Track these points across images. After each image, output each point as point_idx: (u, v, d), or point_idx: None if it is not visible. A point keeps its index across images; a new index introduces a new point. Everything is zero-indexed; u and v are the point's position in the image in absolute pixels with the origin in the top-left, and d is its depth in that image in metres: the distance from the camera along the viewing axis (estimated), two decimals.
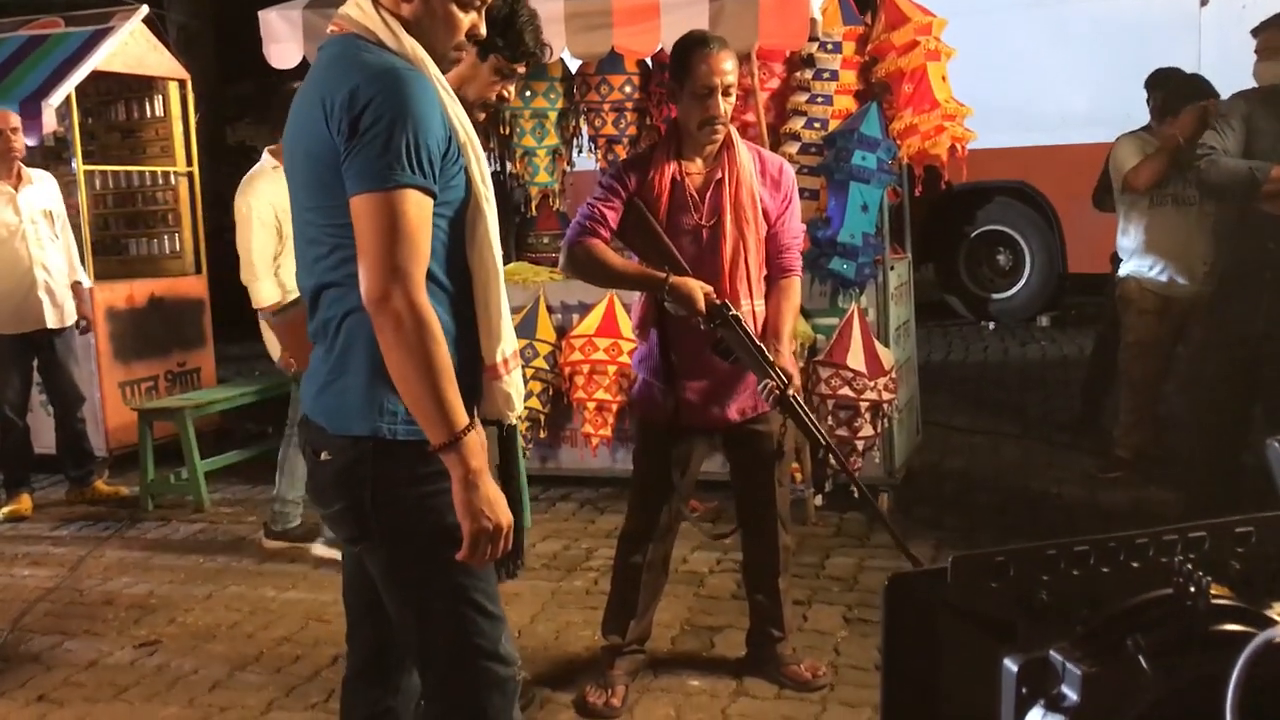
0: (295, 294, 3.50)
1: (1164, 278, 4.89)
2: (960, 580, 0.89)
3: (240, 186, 4.48)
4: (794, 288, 3.12)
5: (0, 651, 3.94)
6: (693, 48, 2.96)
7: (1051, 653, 0.82)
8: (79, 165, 6.28)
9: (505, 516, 1.89)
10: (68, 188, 6.57)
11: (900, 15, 4.74)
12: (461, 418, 1.85)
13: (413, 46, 1.93)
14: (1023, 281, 9.21)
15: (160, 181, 7.17)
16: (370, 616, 2.17)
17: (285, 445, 4.67)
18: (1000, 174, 8.66)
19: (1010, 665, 0.83)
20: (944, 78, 4.75)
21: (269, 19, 5.21)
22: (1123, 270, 5.06)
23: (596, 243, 3.02)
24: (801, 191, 4.79)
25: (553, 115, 5.34)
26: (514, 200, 5.74)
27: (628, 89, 5.17)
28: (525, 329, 5.12)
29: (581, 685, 3.32)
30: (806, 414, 2.93)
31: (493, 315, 2.02)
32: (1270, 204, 3.86)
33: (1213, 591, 0.83)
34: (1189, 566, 0.85)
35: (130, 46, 6.55)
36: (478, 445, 1.88)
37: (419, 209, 1.85)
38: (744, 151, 3.06)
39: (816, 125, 4.80)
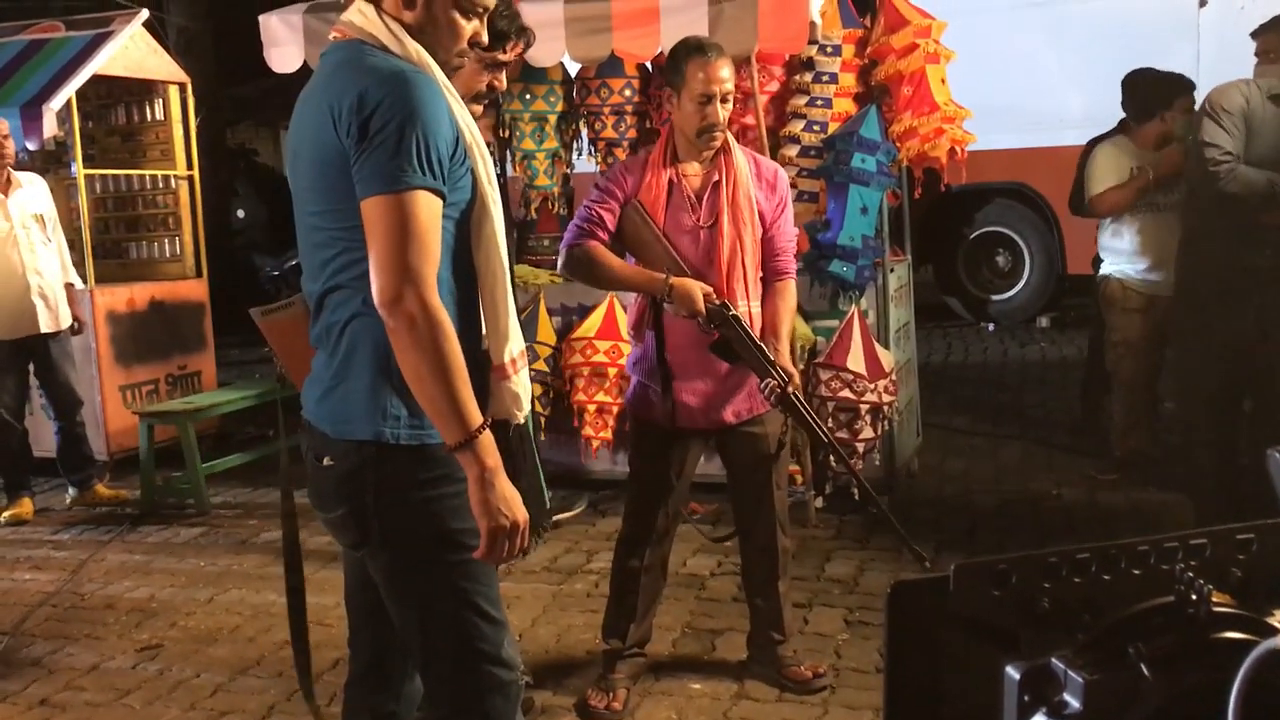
0: None
1: (1147, 277, 4.86)
2: (962, 588, 0.90)
3: None
4: (789, 290, 3.13)
5: (2, 656, 3.93)
6: (690, 54, 2.98)
7: (1053, 660, 0.82)
8: (79, 169, 6.28)
9: (521, 513, 1.90)
10: (68, 191, 6.56)
11: (899, 18, 4.74)
12: (476, 417, 1.86)
13: (417, 51, 1.95)
14: (1022, 283, 9.20)
15: (160, 185, 7.14)
16: (372, 621, 2.17)
17: None
18: (999, 175, 8.65)
19: (1012, 673, 0.83)
20: (943, 80, 4.75)
21: (270, 23, 5.22)
22: (1104, 270, 5.04)
23: (595, 245, 3.03)
24: (801, 194, 4.85)
25: (552, 119, 5.35)
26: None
27: (628, 92, 5.18)
28: (526, 332, 4.96)
29: (583, 688, 3.33)
30: (809, 412, 2.94)
31: (500, 315, 2.03)
32: (1272, 215, 3.85)
33: (1214, 599, 0.84)
34: (1190, 574, 0.86)
35: (130, 50, 6.56)
36: (492, 444, 1.88)
37: (429, 210, 1.86)
38: (740, 155, 3.08)
39: (816, 128, 4.81)
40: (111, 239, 7.23)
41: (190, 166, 7.07)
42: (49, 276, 5.44)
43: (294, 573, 2.34)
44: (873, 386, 4.56)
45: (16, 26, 6.86)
